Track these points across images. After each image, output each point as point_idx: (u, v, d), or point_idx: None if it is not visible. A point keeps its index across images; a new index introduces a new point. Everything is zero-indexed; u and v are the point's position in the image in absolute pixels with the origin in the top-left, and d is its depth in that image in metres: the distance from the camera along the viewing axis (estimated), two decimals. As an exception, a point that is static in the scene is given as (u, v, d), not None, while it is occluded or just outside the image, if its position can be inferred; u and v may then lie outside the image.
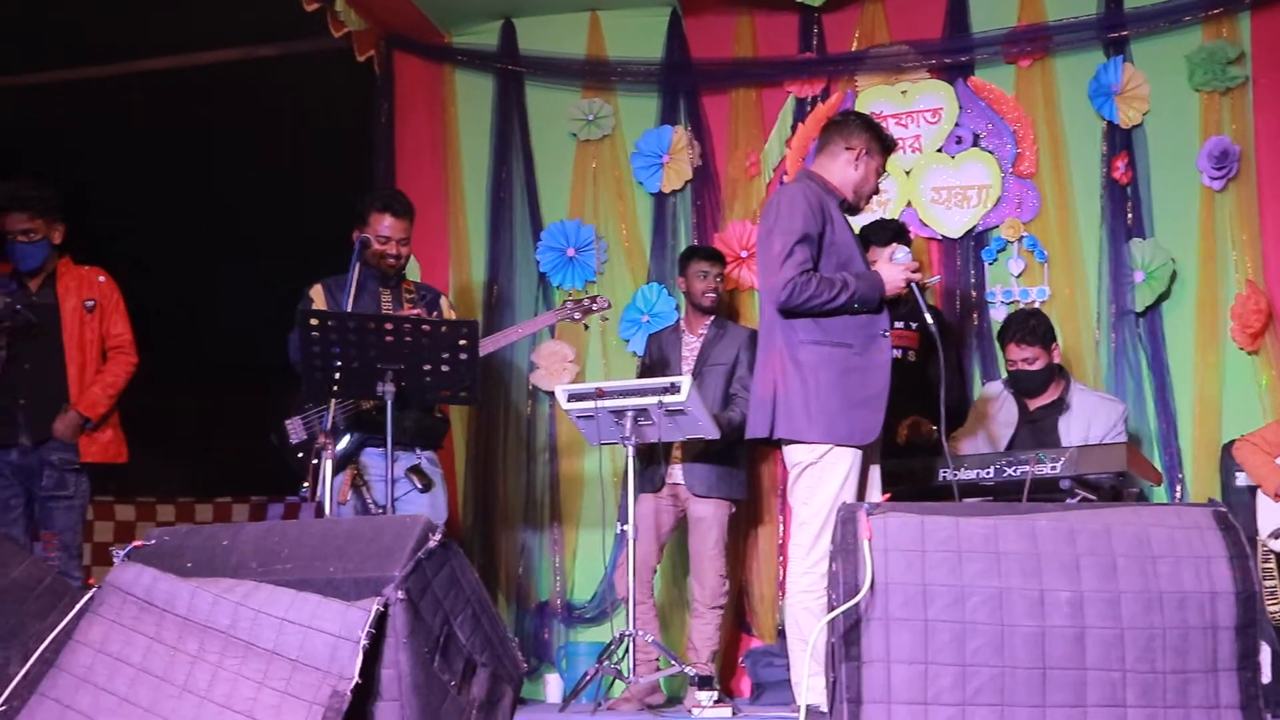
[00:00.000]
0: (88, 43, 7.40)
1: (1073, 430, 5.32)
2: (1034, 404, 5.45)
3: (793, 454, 4.44)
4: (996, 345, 5.79)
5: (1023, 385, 5.44)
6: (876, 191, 4.77)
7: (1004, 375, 5.71)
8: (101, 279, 5.52)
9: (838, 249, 4.46)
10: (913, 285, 4.53)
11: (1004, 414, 5.49)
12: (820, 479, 4.35)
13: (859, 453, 4.39)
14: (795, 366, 4.37)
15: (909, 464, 5.19)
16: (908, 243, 5.53)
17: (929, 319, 4.60)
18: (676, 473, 5.78)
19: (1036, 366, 5.36)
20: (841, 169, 4.59)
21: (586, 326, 5.95)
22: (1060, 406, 5.39)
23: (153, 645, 2.94)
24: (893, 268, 4.48)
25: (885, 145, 4.67)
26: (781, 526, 6.26)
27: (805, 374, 4.35)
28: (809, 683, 3.88)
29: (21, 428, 5.28)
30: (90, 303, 5.40)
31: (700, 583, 5.76)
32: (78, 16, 7.09)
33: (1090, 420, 5.33)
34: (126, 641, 2.96)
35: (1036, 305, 6.11)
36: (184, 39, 7.44)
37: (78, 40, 7.36)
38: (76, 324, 5.40)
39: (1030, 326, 5.40)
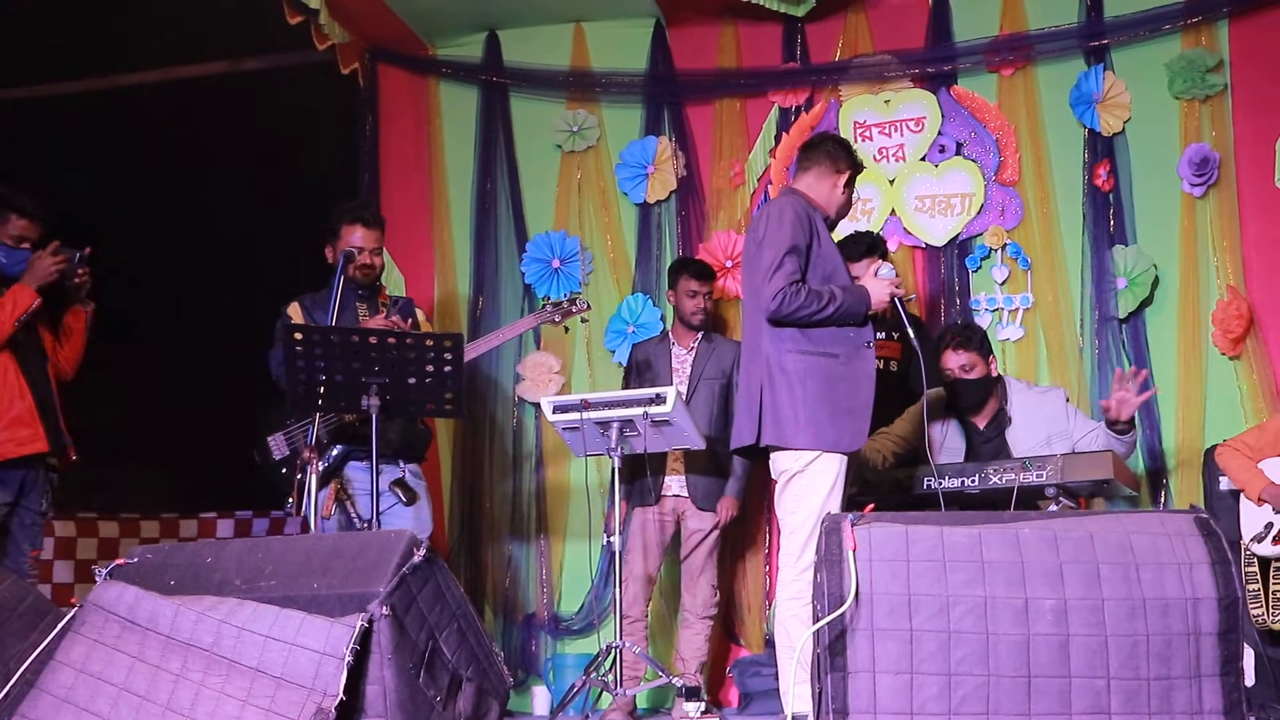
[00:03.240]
0: (71, 57, 7.39)
1: (1018, 440, 5.22)
2: (981, 422, 5.33)
3: (779, 462, 4.48)
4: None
5: (961, 398, 5.28)
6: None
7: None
8: None
9: (824, 261, 4.55)
10: (896, 300, 4.63)
11: (948, 437, 5.40)
12: (808, 487, 4.39)
13: (845, 460, 4.43)
14: (782, 374, 4.43)
15: (893, 473, 5.18)
16: (884, 254, 5.56)
17: (910, 332, 4.73)
18: (673, 484, 5.80)
19: (974, 375, 5.24)
20: (829, 191, 4.73)
21: (566, 329, 5.98)
22: (1003, 420, 5.28)
23: (135, 664, 2.93)
24: (878, 283, 4.59)
25: (858, 169, 4.84)
26: (769, 536, 6.27)
27: (792, 382, 4.42)
28: (796, 691, 3.88)
29: (53, 435, 5.12)
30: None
31: (692, 593, 5.78)
32: (61, 31, 7.07)
33: (1032, 419, 5.22)
34: (109, 661, 2.95)
35: (1020, 312, 6.15)
36: (167, 53, 7.44)
37: (61, 55, 7.35)
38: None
39: (966, 333, 5.32)
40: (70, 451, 5.23)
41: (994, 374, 5.33)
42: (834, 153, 4.74)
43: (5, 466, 4.99)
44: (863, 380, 4.47)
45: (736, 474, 5.79)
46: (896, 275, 4.68)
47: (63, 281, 5.17)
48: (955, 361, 5.25)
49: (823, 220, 4.65)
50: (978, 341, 5.29)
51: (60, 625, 3.08)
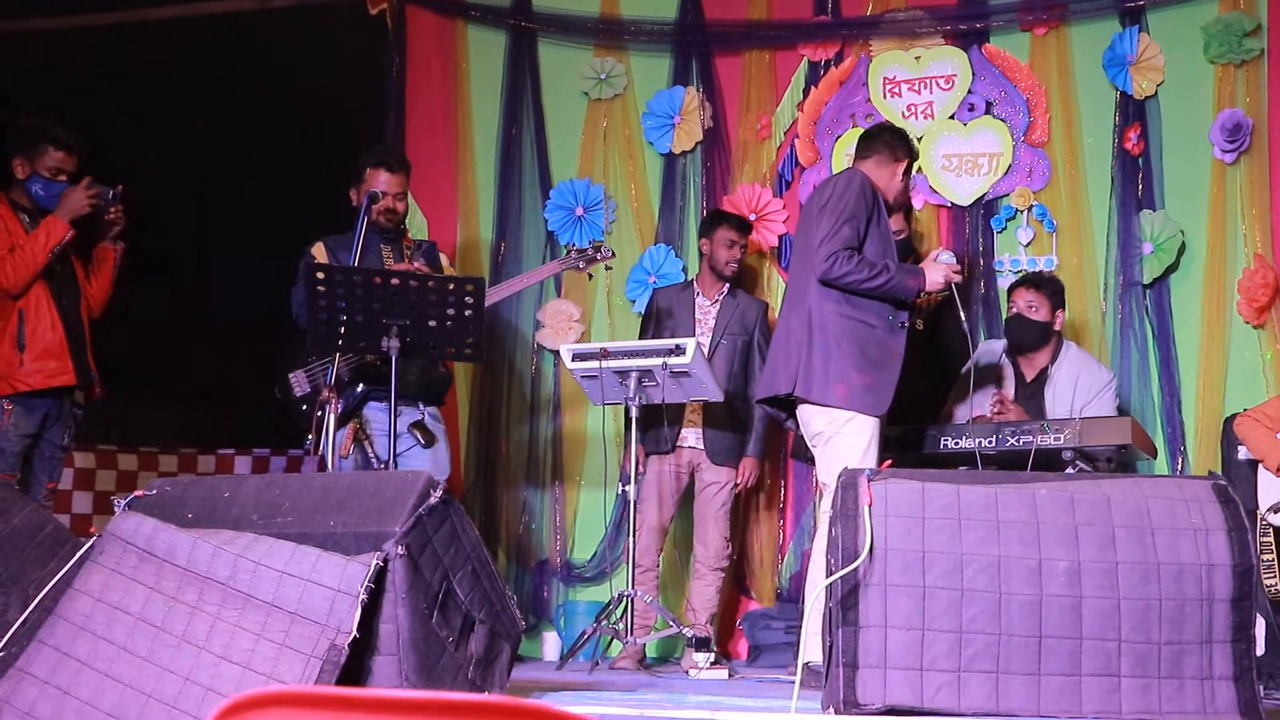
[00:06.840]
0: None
1: (1058, 394, 5.36)
2: (1030, 371, 5.47)
3: (813, 424, 4.63)
4: (1002, 307, 5.76)
5: (1019, 333, 5.47)
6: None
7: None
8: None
9: (880, 238, 4.73)
10: (952, 286, 4.79)
11: (998, 380, 5.51)
12: (846, 446, 4.53)
13: (878, 422, 4.60)
14: (821, 333, 4.61)
15: (911, 431, 5.20)
16: (909, 212, 5.67)
17: (964, 318, 4.90)
18: (690, 436, 5.80)
19: (1038, 316, 5.41)
20: (888, 179, 4.92)
21: (590, 276, 5.99)
22: (1044, 378, 5.45)
23: (152, 595, 2.95)
24: (936, 267, 4.79)
25: (914, 158, 5.12)
26: (784, 490, 6.28)
27: (829, 342, 4.59)
28: (811, 641, 3.91)
29: (80, 369, 5.09)
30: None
31: (704, 544, 5.79)
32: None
33: (1079, 377, 5.38)
34: (126, 591, 2.97)
35: (1045, 274, 6.14)
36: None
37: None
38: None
39: (1043, 277, 5.59)
40: (96, 386, 5.23)
41: (1056, 326, 5.49)
42: (892, 142, 4.96)
43: (32, 396, 4.98)
44: (891, 354, 4.65)
45: (757, 433, 5.79)
46: (957, 263, 4.84)
47: (95, 217, 5.16)
48: (1023, 299, 5.48)
49: (883, 203, 4.83)
50: (1050, 289, 5.51)
51: (79, 554, 3.09)
